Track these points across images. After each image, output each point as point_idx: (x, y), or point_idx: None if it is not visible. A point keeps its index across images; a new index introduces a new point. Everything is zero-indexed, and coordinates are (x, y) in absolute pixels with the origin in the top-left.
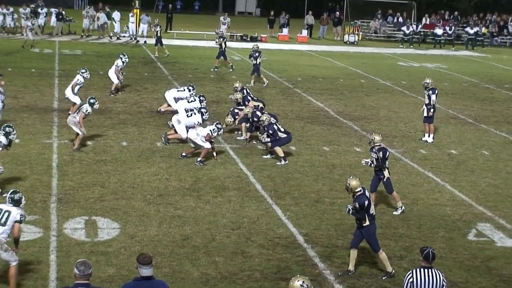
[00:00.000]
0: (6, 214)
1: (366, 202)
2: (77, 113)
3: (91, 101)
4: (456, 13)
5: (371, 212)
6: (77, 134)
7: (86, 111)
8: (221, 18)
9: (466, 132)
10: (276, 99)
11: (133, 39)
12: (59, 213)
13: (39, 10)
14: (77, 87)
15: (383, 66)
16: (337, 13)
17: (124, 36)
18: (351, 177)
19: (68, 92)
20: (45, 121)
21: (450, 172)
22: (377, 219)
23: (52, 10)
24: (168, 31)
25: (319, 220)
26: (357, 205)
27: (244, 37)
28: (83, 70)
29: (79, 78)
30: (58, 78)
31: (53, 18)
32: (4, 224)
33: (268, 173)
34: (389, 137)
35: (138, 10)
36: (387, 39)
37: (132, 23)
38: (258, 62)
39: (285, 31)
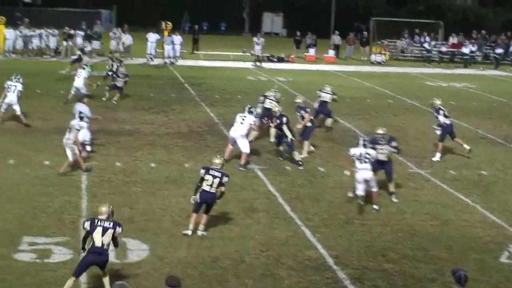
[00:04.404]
0: None
1: None
2: (69, 133)
3: (81, 115)
4: (483, 32)
5: None
6: (73, 155)
7: (79, 126)
8: (255, 39)
9: (496, 153)
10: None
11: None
12: None
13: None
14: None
15: (410, 86)
16: (365, 33)
17: (151, 57)
18: None
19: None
20: None
21: (480, 193)
22: (407, 240)
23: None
24: (194, 52)
25: (349, 241)
26: None
27: (271, 58)
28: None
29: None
30: (86, 99)
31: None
32: None
33: (296, 195)
34: (418, 157)
35: (168, 31)
36: (414, 58)
37: (167, 45)
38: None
39: (312, 51)
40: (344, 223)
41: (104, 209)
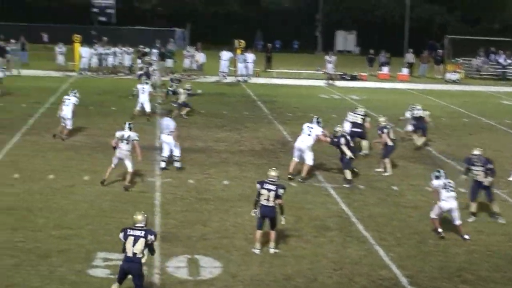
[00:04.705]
0: None
1: None
2: (127, 144)
3: (130, 125)
4: None
5: None
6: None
7: (138, 137)
8: (327, 57)
9: None
10: (377, 138)
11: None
12: (162, 251)
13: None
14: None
15: (486, 104)
16: (439, 51)
17: (224, 75)
18: None
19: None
20: (148, 159)
21: None
22: (483, 261)
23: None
24: (267, 70)
25: (423, 261)
26: None
27: (343, 76)
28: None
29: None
30: (159, 117)
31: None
32: None
33: (370, 213)
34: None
35: (241, 50)
36: (489, 77)
37: (240, 63)
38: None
39: (385, 69)
40: (418, 242)
41: (139, 217)
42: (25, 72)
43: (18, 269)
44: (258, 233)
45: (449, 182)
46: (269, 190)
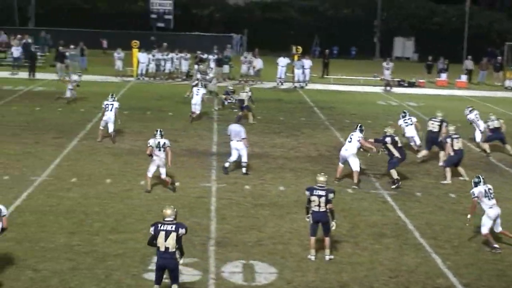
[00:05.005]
0: None
1: None
2: (163, 151)
3: (162, 132)
4: None
5: None
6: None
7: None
8: (384, 64)
9: None
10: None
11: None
12: (217, 256)
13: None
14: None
15: None
16: (498, 58)
17: (281, 81)
18: None
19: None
20: (204, 164)
21: None
22: None
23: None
24: (324, 76)
25: (481, 270)
26: None
27: (401, 82)
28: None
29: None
30: (217, 123)
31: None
32: None
33: (426, 221)
34: None
35: (298, 56)
36: None
37: (297, 69)
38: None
39: (444, 76)
40: (476, 251)
41: (169, 211)
42: (83, 77)
43: (74, 273)
44: (312, 239)
45: (489, 188)
46: (319, 196)
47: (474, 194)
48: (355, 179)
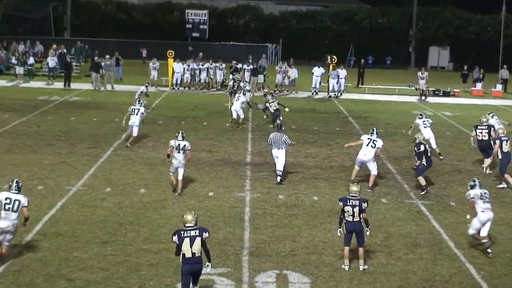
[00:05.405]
0: (17, 202)
1: None
2: (183, 154)
3: (183, 134)
4: None
5: None
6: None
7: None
8: (419, 73)
9: None
10: (469, 155)
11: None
12: (251, 266)
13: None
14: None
15: None
16: None
17: (316, 91)
18: None
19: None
20: (238, 174)
21: None
22: None
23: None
24: (359, 86)
25: None
26: None
27: (436, 92)
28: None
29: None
30: (251, 132)
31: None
32: (16, 211)
33: (461, 231)
34: None
35: (333, 65)
36: None
37: (332, 78)
38: None
39: (479, 85)
40: (510, 261)
41: (189, 217)
42: (119, 87)
43: (108, 282)
44: (346, 249)
45: (485, 192)
46: (353, 206)
47: (470, 196)
48: (371, 183)
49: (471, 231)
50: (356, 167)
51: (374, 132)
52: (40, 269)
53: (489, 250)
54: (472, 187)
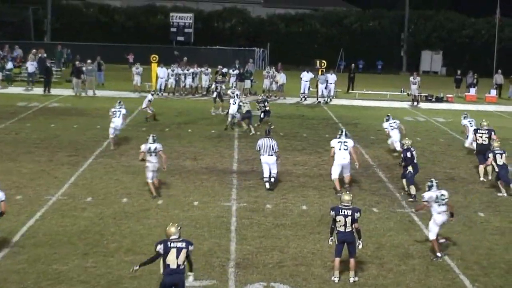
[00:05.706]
0: None
1: None
2: (155, 156)
3: (155, 137)
4: None
5: None
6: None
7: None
8: (411, 78)
9: None
10: (463, 163)
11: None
12: (237, 278)
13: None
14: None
15: None
16: None
17: (305, 96)
18: None
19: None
20: (224, 183)
21: None
22: None
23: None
24: (349, 91)
25: None
26: None
27: (429, 97)
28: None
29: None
30: (237, 140)
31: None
32: None
33: (454, 241)
34: None
35: (322, 70)
36: None
37: (321, 83)
38: None
39: (473, 90)
40: (505, 272)
41: (173, 229)
42: (100, 92)
43: None
44: (337, 260)
45: (442, 195)
46: (345, 216)
47: (424, 198)
48: (349, 182)
49: (432, 236)
50: (336, 177)
51: (343, 133)
52: (18, 283)
53: (438, 255)
54: (430, 188)
